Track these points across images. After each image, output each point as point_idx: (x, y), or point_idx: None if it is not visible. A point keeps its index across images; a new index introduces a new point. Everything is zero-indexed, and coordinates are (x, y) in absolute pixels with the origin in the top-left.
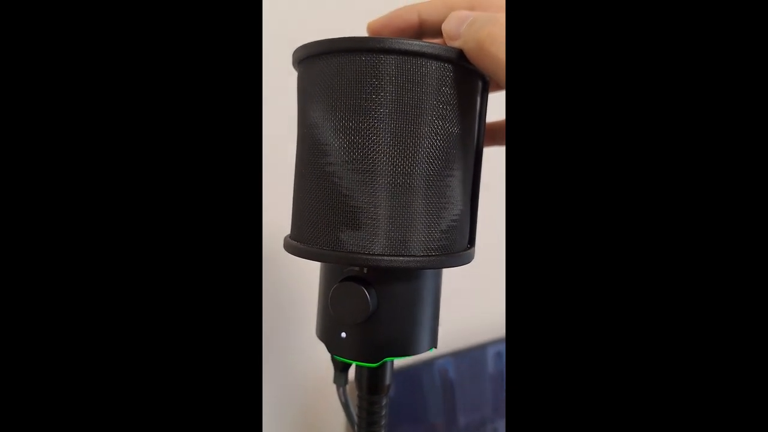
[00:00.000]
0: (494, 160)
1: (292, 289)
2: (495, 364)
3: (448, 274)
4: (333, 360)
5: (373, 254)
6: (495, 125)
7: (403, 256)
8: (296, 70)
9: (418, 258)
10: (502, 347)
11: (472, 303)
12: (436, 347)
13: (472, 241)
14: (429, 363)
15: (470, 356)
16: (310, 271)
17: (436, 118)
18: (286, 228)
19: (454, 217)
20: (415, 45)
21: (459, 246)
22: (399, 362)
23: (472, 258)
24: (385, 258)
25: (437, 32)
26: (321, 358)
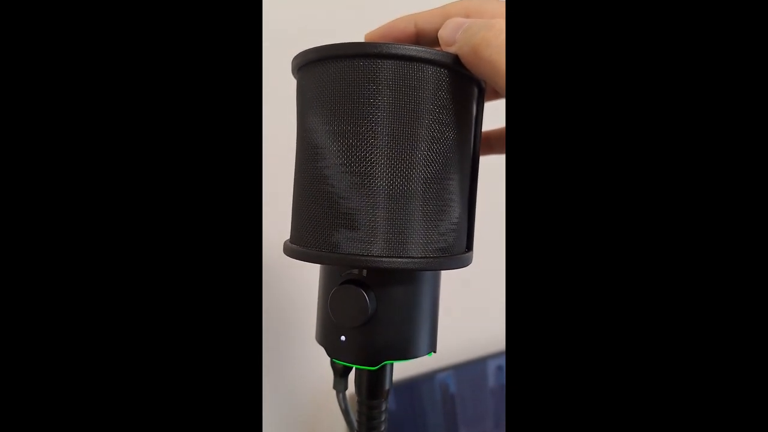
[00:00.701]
0: (494, 171)
1: (293, 296)
2: (496, 378)
3: (449, 287)
4: (332, 365)
5: (371, 256)
6: (491, 134)
7: (401, 257)
8: (295, 77)
9: (416, 259)
10: (503, 361)
11: (473, 316)
12: (435, 351)
13: (470, 245)
14: (430, 377)
15: (471, 370)
16: (311, 279)
17: (432, 122)
18: (286, 236)
19: (453, 220)
20: (412, 50)
21: (457, 249)
22: (399, 376)
23: (471, 261)
24: (384, 259)
25: (434, 41)
26: (321, 364)
